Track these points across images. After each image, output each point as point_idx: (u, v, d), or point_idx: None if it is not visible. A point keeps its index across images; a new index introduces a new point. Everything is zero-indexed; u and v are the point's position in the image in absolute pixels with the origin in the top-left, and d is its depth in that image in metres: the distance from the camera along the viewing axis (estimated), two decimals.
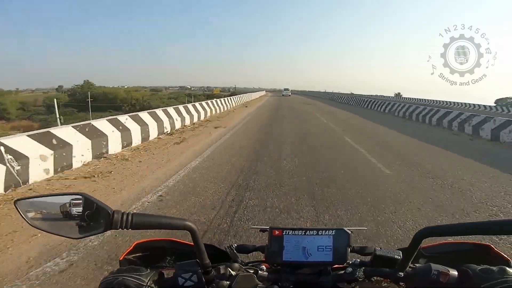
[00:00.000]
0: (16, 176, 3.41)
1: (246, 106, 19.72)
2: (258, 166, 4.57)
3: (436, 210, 2.98)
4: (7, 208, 2.83)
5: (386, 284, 0.61)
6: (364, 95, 44.46)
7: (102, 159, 4.91)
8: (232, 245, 0.69)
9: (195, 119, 10.62)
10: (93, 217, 0.50)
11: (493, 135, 8.10)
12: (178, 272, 0.57)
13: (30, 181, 3.61)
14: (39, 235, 2.31)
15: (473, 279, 0.51)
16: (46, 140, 4.02)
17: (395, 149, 6.31)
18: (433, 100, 36.90)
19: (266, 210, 2.92)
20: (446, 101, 34.15)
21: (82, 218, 0.50)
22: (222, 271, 0.59)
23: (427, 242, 0.56)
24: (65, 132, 4.45)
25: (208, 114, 12.59)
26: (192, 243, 0.57)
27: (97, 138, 5.04)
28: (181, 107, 9.90)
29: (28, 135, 3.87)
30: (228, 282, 0.58)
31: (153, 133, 7.13)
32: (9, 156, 3.38)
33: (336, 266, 0.64)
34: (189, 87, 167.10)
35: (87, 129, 4.91)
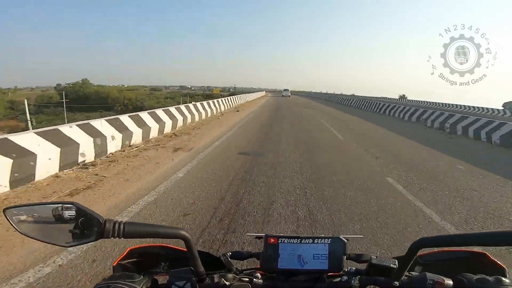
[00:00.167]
0: None
1: (238, 111, 16.13)
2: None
3: None
4: None
5: None
6: (366, 96, 44.12)
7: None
8: (226, 253, 0.69)
9: (153, 134, 7.04)
10: (85, 226, 0.50)
11: None
12: (172, 279, 0.57)
13: None
14: None
15: None
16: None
17: None
18: (443, 104, 35.01)
19: None
20: (456, 104, 32.42)
21: (74, 227, 0.50)
22: (216, 280, 0.59)
23: (423, 249, 0.56)
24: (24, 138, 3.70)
25: (180, 124, 8.95)
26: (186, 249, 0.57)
27: None
28: (143, 114, 6.93)
29: None
30: None
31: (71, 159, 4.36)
32: None
33: (331, 274, 0.64)
34: (189, 86, 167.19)
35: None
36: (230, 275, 0.62)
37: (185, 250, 0.58)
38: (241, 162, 4.94)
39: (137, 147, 5.91)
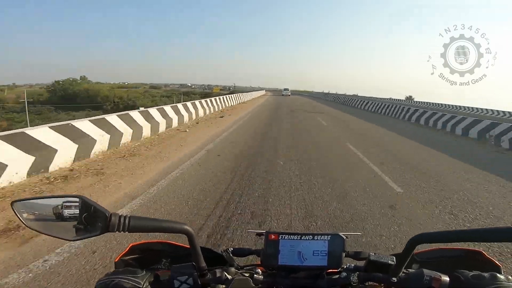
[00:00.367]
0: None
1: (222, 117, 11.49)
2: None
3: None
4: None
5: None
6: (367, 97, 43.57)
7: None
8: (228, 248, 0.70)
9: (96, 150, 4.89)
10: (90, 219, 0.50)
11: None
12: (174, 274, 0.57)
13: None
14: None
15: (464, 285, 0.52)
16: None
17: None
18: (454, 106, 32.46)
19: None
20: (467, 107, 30.37)
21: (79, 220, 0.50)
22: (218, 275, 0.59)
23: (420, 247, 0.57)
24: None
25: (145, 133, 6.68)
26: (188, 246, 0.57)
27: None
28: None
29: None
30: (223, 286, 0.58)
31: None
32: None
33: (330, 270, 0.65)
34: (189, 84, 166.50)
35: None
36: (232, 269, 0.62)
37: (187, 246, 0.58)
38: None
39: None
